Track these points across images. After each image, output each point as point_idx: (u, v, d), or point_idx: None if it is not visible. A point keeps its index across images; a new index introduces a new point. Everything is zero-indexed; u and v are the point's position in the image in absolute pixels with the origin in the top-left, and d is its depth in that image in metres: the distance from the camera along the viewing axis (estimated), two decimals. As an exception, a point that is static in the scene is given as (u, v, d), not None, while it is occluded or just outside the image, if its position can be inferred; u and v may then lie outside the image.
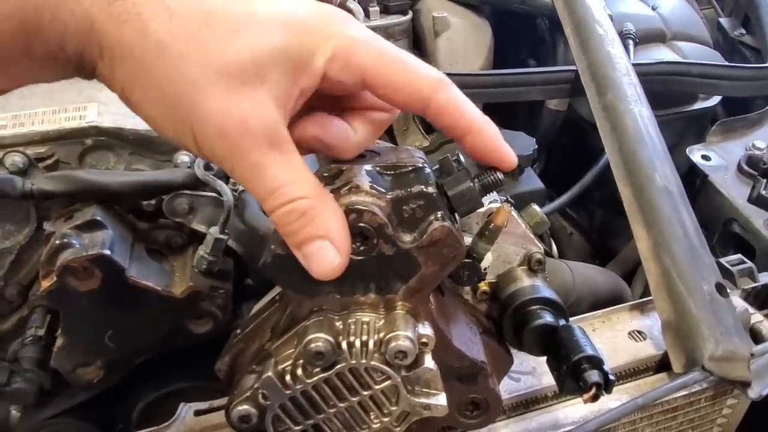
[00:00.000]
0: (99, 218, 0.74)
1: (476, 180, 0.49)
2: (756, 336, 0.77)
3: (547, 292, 0.59)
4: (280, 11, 0.42)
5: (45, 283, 0.71)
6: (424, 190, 0.46)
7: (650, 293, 0.77)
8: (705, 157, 1.08)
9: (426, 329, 0.48)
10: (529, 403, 0.69)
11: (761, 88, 1.20)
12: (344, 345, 0.47)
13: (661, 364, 0.74)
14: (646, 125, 0.90)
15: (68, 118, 0.79)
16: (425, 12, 1.25)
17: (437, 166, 0.50)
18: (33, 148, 0.77)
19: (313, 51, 0.42)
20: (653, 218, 0.80)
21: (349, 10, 1.14)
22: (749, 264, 0.85)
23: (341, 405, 0.49)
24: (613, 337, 0.76)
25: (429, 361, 0.48)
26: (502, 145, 0.48)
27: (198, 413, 0.66)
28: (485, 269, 0.61)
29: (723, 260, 0.85)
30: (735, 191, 1.02)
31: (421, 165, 0.48)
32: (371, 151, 0.51)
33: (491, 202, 0.60)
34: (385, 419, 0.50)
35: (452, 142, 1.09)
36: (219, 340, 0.62)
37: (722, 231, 1.03)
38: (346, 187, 0.46)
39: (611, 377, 0.54)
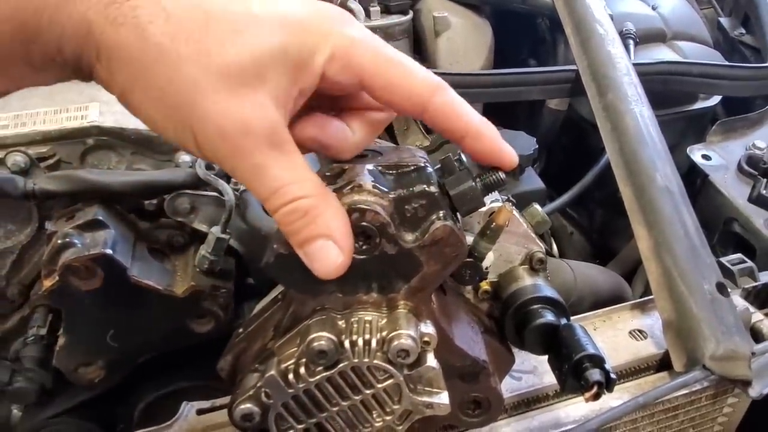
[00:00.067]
0: (101, 218, 0.74)
1: (478, 179, 0.49)
2: (756, 335, 0.77)
3: (549, 291, 0.59)
4: (279, 11, 0.42)
5: (47, 283, 0.71)
6: (427, 189, 0.46)
7: (651, 292, 0.78)
8: (705, 157, 1.08)
9: (428, 328, 0.48)
10: (530, 402, 0.70)
11: (761, 87, 1.20)
12: (347, 344, 0.47)
13: (662, 363, 0.75)
14: (647, 125, 0.90)
15: (70, 118, 0.79)
16: (426, 12, 1.25)
17: (439, 166, 0.50)
18: (35, 148, 0.78)
19: (313, 50, 0.42)
20: (654, 218, 0.80)
21: (350, 10, 1.14)
22: (750, 263, 0.85)
23: (344, 404, 0.49)
24: (614, 336, 0.77)
25: (431, 360, 0.48)
26: (502, 145, 0.48)
27: (200, 412, 0.66)
28: (487, 268, 0.61)
29: (723, 260, 0.85)
30: (735, 191, 1.02)
31: (423, 164, 0.48)
32: (373, 151, 0.51)
33: (493, 201, 0.60)
34: (388, 418, 0.50)
35: (453, 142, 1.09)
36: (220, 340, 0.62)
37: (723, 230, 1.03)
38: (349, 187, 0.46)
39: (613, 376, 0.54)
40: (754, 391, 0.69)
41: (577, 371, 0.54)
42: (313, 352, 0.46)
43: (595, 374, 0.54)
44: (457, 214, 0.50)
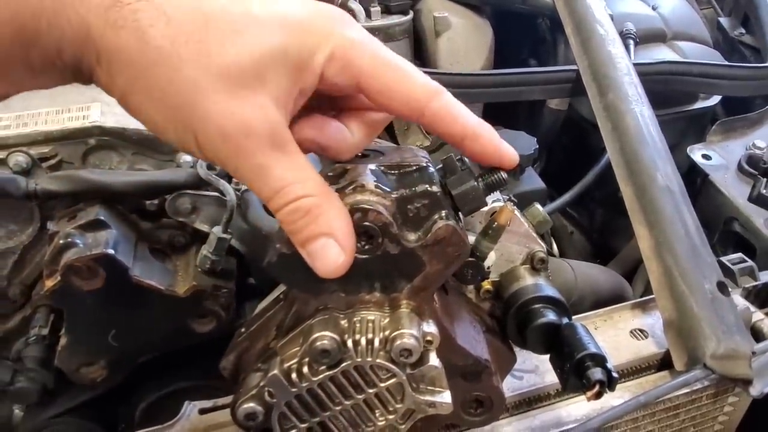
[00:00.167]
0: (102, 218, 0.74)
1: (480, 179, 0.49)
2: (757, 334, 0.77)
3: (550, 291, 0.59)
4: (278, 11, 0.42)
5: (49, 283, 0.71)
6: (429, 189, 0.47)
7: (651, 292, 0.78)
8: (705, 157, 1.08)
9: (430, 327, 0.48)
10: (532, 401, 0.70)
11: (761, 87, 1.20)
12: (350, 343, 0.47)
13: (663, 362, 0.75)
14: (648, 125, 0.90)
15: (71, 118, 0.79)
16: (426, 12, 1.25)
17: (441, 166, 0.50)
18: (36, 148, 0.78)
19: (313, 51, 0.42)
20: (655, 217, 0.80)
21: (351, 10, 1.14)
22: (750, 263, 0.85)
23: (347, 403, 0.49)
24: (615, 335, 0.77)
25: (434, 359, 0.48)
26: (501, 145, 0.48)
27: (202, 412, 0.66)
28: (488, 268, 0.61)
29: (724, 259, 0.85)
30: (735, 190, 1.02)
31: (425, 164, 0.48)
32: (375, 151, 0.51)
33: (494, 201, 0.61)
34: (390, 417, 0.51)
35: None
36: (222, 339, 0.62)
37: (723, 230, 1.03)
38: (351, 187, 0.46)
39: (614, 375, 0.54)
40: (755, 390, 0.69)
41: (578, 370, 0.54)
42: (316, 352, 0.46)
43: (596, 373, 0.54)
44: (459, 213, 0.50)
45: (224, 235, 0.78)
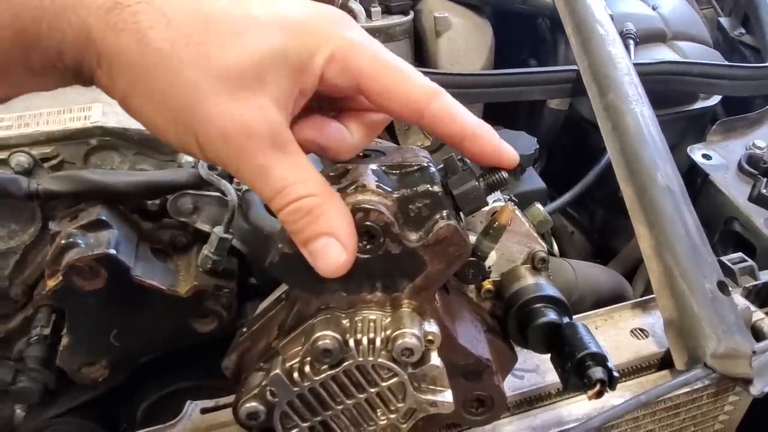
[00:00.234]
0: (104, 218, 0.74)
1: (481, 179, 0.49)
2: (757, 333, 0.77)
3: (551, 290, 0.59)
4: (278, 13, 0.42)
5: (50, 283, 0.71)
6: (430, 189, 0.47)
7: (652, 291, 0.78)
8: (706, 156, 1.08)
9: (432, 327, 0.48)
10: (533, 401, 0.70)
11: (761, 87, 1.20)
12: (351, 342, 0.47)
13: (664, 362, 0.75)
14: (648, 125, 0.90)
15: (73, 119, 0.80)
16: (426, 12, 1.25)
17: (442, 166, 0.50)
18: (38, 149, 0.78)
19: (312, 52, 0.42)
20: (655, 217, 0.80)
21: (351, 11, 1.14)
22: (750, 262, 0.85)
23: (348, 402, 0.50)
24: (615, 335, 0.77)
25: (435, 359, 0.48)
26: (500, 145, 0.48)
27: (204, 411, 0.66)
28: (489, 267, 0.61)
29: (724, 258, 0.85)
30: (735, 190, 1.03)
31: (426, 164, 0.48)
32: (376, 151, 0.52)
33: (495, 201, 0.61)
34: (392, 416, 0.51)
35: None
36: (223, 339, 0.62)
37: (723, 230, 1.03)
38: (353, 186, 0.46)
39: (615, 374, 0.54)
40: (755, 390, 0.70)
41: (579, 369, 0.55)
42: (317, 351, 0.46)
43: (597, 372, 0.54)
44: (461, 213, 0.50)
45: (226, 235, 0.78)
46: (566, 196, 1.13)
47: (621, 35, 1.15)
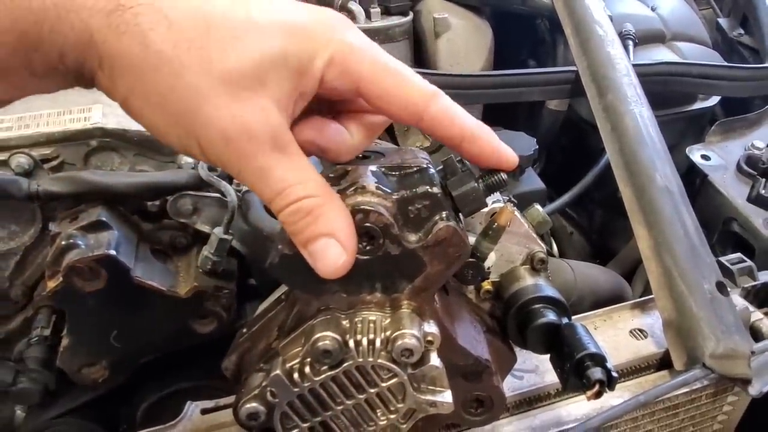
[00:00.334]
0: (104, 219, 0.74)
1: (480, 180, 0.49)
2: (756, 334, 0.77)
3: (550, 291, 0.60)
4: (278, 17, 0.42)
5: (51, 284, 0.71)
6: (429, 190, 0.47)
7: (651, 292, 0.78)
8: (704, 157, 1.09)
9: (431, 327, 0.48)
10: (532, 401, 0.70)
11: (760, 88, 1.20)
12: (351, 343, 0.47)
13: (663, 362, 0.75)
14: (647, 125, 0.91)
15: (73, 120, 0.80)
16: (426, 13, 1.25)
17: (441, 167, 0.50)
18: (38, 150, 0.78)
19: (312, 56, 0.42)
20: (654, 218, 0.81)
21: (351, 11, 1.14)
22: (749, 263, 0.85)
23: (348, 402, 0.50)
24: (614, 335, 0.77)
25: (435, 359, 0.48)
26: (499, 146, 0.48)
27: (204, 412, 0.66)
28: (489, 268, 0.61)
29: (723, 259, 0.85)
30: (734, 191, 1.03)
31: (425, 166, 0.49)
32: (376, 152, 0.52)
33: (494, 202, 0.61)
34: (392, 416, 0.51)
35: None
36: (223, 340, 0.62)
37: (722, 230, 1.04)
38: (352, 188, 0.46)
39: (614, 374, 0.55)
40: (754, 390, 0.70)
41: (578, 370, 0.55)
42: (317, 352, 0.47)
43: (596, 373, 0.54)
44: (460, 214, 0.50)
45: (225, 236, 0.78)
46: (565, 197, 1.13)
47: (620, 36, 1.15)
